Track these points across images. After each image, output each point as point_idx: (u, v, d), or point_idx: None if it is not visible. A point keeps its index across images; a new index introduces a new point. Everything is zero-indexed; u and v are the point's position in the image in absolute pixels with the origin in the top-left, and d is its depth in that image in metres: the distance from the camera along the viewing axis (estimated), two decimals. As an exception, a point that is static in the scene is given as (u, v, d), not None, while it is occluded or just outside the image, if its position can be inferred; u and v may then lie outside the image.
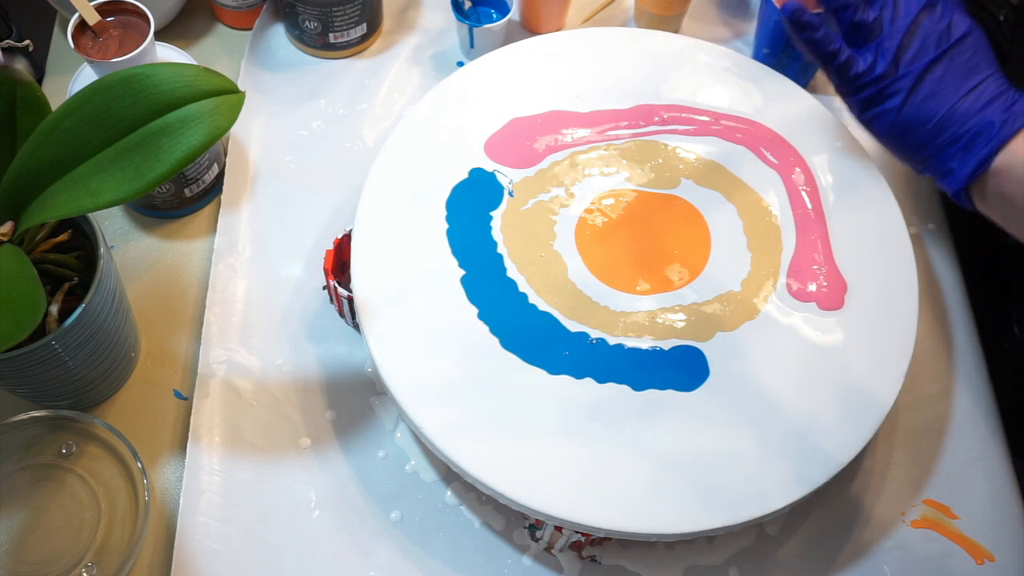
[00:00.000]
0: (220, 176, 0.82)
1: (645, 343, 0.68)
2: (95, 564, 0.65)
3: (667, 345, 0.68)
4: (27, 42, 0.85)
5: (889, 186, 0.76)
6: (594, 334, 0.68)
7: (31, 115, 0.59)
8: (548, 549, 0.69)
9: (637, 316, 0.69)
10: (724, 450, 0.64)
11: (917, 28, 0.57)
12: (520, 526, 0.69)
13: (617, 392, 0.66)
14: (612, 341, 0.68)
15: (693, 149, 0.77)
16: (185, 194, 0.79)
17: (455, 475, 0.70)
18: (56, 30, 0.92)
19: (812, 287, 0.71)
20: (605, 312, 0.69)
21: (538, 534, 0.68)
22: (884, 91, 0.58)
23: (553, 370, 0.67)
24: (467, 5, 0.87)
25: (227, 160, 0.83)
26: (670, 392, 0.66)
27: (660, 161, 0.76)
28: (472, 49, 0.88)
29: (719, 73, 0.81)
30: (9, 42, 0.84)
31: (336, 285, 0.71)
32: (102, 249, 0.62)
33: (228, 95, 0.57)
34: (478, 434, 0.64)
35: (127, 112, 0.57)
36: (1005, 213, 0.58)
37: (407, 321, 0.68)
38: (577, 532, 0.65)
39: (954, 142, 0.58)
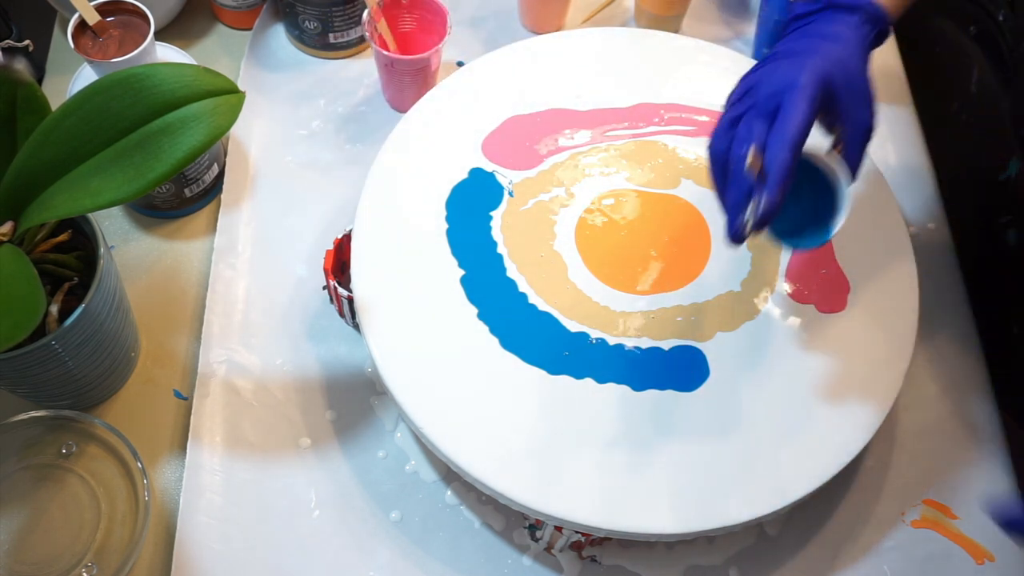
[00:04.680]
0: (220, 176, 0.82)
1: (645, 343, 0.68)
2: (95, 564, 0.65)
3: (667, 345, 0.68)
4: (27, 42, 0.85)
5: (889, 186, 0.76)
6: (594, 334, 0.68)
7: (31, 115, 0.59)
8: (548, 549, 0.69)
9: (637, 316, 0.69)
10: (724, 450, 0.64)
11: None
12: (520, 526, 0.69)
13: (617, 392, 0.66)
14: (612, 341, 0.68)
15: (693, 149, 0.77)
16: (185, 194, 0.79)
17: (455, 475, 0.70)
18: (56, 30, 0.92)
19: (812, 288, 0.71)
20: (605, 312, 0.69)
21: (538, 534, 0.68)
22: None
23: (553, 370, 0.67)
24: None
25: (227, 160, 0.83)
26: (670, 392, 0.66)
27: (660, 161, 0.76)
28: None
29: (719, 73, 0.81)
30: (9, 42, 0.84)
31: (336, 285, 0.71)
32: (102, 249, 0.62)
33: (228, 95, 0.57)
34: (478, 434, 0.64)
35: (127, 112, 0.57)
36: None
37: (407, 321, 0.68)
38: (577, 532, 0.65)
39: None
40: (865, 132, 0.60)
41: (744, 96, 0.60)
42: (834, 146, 0.61)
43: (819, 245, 0.62)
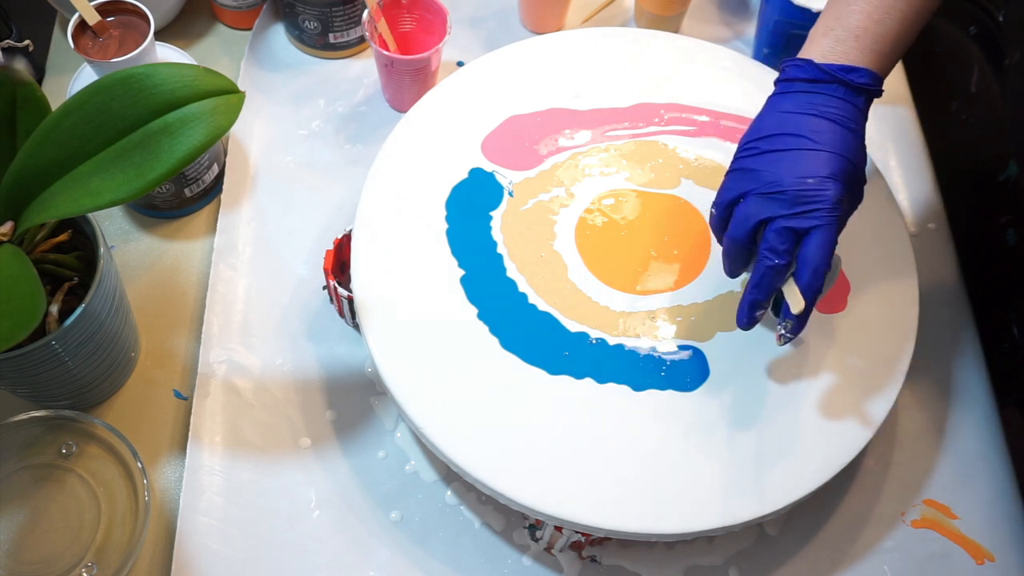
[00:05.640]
0: (220, 176, 0.82)
1: (645, 343, 0.68)
2: (95, 564, 0.65)
3: (667, 345, 0.68)
4: (27, 42, 0.85)
5: (889, 186, 0.76)
6: (594, 334, 0.68)
7: (31, 115, 0.59)
8: (548, 549, 0.69)
9: (637, 316, 0.69)
10: (724, 450, 0.64)
11: None
12: (520, 526, 0.69)
13: (617, 392, 0.66)
14: (612, 341, 0.68)
15: (693, 149, 0.77)
16: (185, 194, 0.79)
17: (455, 475, 0.70)
18: (56, 30, 0.92)
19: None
20: (605, 312, 0.69)
21: (538, 534, 0.68)
22: None
23: (553, 370, 0.67)
24: None
25: (227, 160, 0.83)
26: (670, 392, 0.66)
27: (660, 161, 0.76)
28: None
29: (719, 73, 0.81)
30: (9, 42, 0.84)
31: (336, 285, 0.71)
32: (102, 249, 0.62)
33: (228, 95, 0.57)
34: (478, 434, 0.64)
35: (127, 112, 0.57)
36: None
37: (407, 321, 0.68)
38: (577, 532, 0.65)
39: None
40: (852, 212, 0.62)
41: (760, 157, 0.61)
42: None
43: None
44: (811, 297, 0.60)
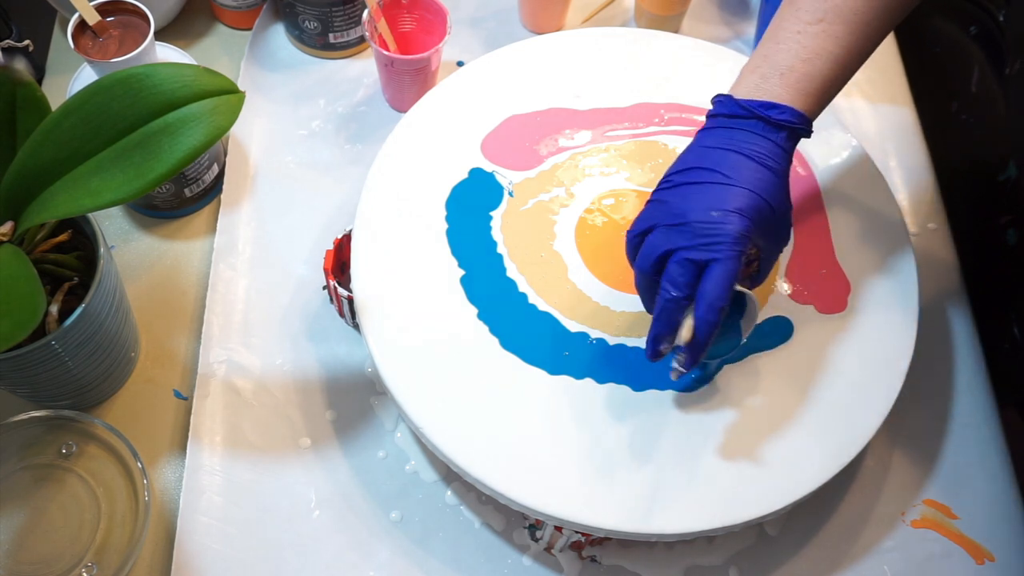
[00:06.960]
0: (220, 176, 0.82)
1: (645, 343, 0.68)
2: (95, 564, 0.65)
3: (667, 345, 0.68)
4: (27, 42, 0.85)
5: (889, 186, 0.76)
6: (594, 334, 0.68)
7: (31, 115, 0.59)
8: (548, 549, 0.69)
9: (637, 316, 0.69)
10: (724, 450, 0.64)
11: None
12: (520, 526, 0.69)
13: (617, 392, 0.66)
14: (612, 341, 0.68)
15: (693, 149, 0.76)
16: (185, 194, 0.79)
17: (455, 475, 0.70)
18: (56, 30, 0.92)
19: (812, 288, 0.71)
20: (605, 312, 0.69)
21: (538, 534, 0.68)
22: None
23: (553, 370, 0.67)
24: None
25: (227, 160, 0.83)
26: (670, 392, 0.66)
27: (660, 161, 0.76)
28: None
29: (719, 73, 0.80)
30: (9, 42, 0.84)
31: (336, 285, 0.71)
32: (102, 249, 0.62)
33: (228, 95, 0.57)
34: (478, 434, 0.64)
35: (127, 112, 0.57)
36: None
37: (407, 321, 0.68)
38: (577, 532, 0.65)
39: None
40: (779, 254, 0.62)
41: (673, 190, 0.60)
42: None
43: (734, 348, 0.64)
44: (703, 331, 0.58)
